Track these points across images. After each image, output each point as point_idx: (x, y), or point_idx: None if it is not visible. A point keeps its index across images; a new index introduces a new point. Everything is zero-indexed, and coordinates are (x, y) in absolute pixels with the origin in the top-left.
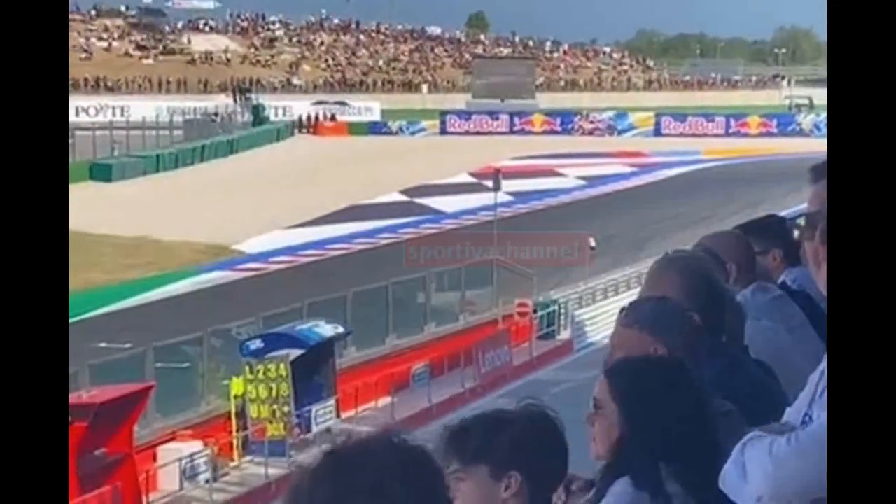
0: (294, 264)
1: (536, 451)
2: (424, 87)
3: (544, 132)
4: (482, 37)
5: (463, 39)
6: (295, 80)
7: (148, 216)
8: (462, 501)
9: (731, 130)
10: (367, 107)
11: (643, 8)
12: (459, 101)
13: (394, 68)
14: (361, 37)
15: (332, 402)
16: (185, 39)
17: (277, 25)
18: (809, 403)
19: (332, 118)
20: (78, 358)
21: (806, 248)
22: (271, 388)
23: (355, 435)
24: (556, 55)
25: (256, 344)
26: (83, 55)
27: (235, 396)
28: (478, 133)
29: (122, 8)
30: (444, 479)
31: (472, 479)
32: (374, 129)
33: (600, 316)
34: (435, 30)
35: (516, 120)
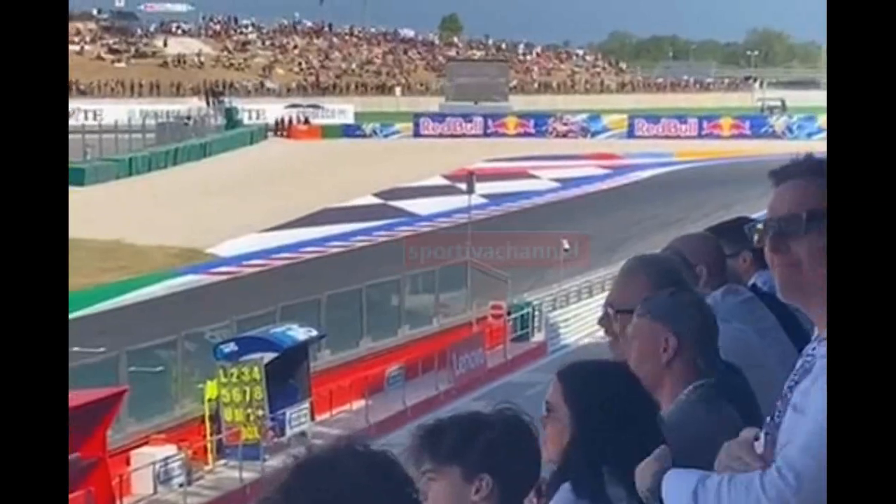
0: (268, 267)
1: (509, 455)
2: (398, 90)
3: (518, 134)
4: (455, 39)
5: (436, 42)
6: (268, 84)
7: (121, 220)
8: (433, 501)
9: (703, 132)
10: (340, 110)
11: (616, 10)
12: (433, 103)
13: (367, 71)
14: (335, 40)
15: (306, 405)
16: (157, 43)
17: (250, 29)
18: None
19: (306, 121)
20: None
21: (766, 253)
22: (245, 392)
23: (320, 445)
24: (529, 57)
25: (230, 347)
26: None
27: (209, 400)
28: (451, 136)
29: (95, 11)
30: (412, 486)
31: (443, 479)
32: (347, 132)
33: (574, 318)
34: (408, 32)
35: (490, 122)
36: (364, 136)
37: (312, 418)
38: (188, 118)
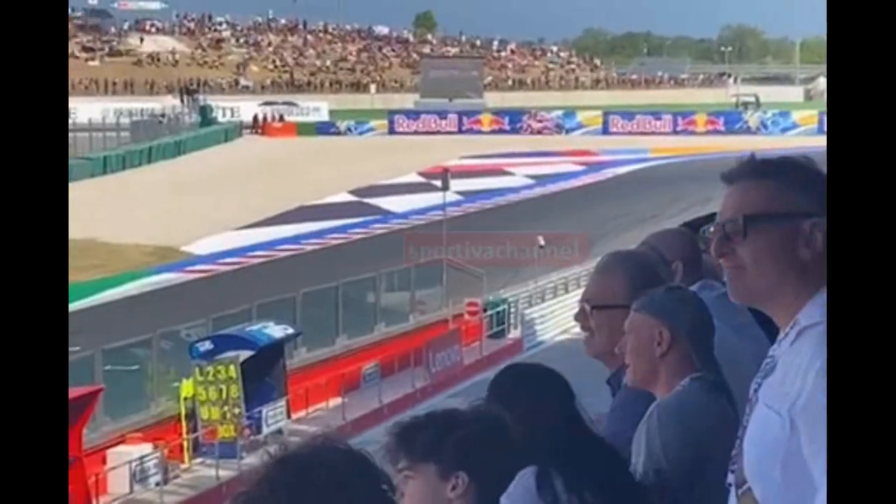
0: (243, 265)
1: (485, 452)
2: (372, 87)
3: (492, 131)
4: (430, 36)
5: (411, 39)
6: (242, 81)
7: (96, 218)
8: (409, 499)
9: (678, 128)
10: (315, 107)
11: (590, 7)
12: (408, 100)
13: (341, 68)
14: (309, 37)
15: (282, 403)
16: (131, 41)
17: (224, 26)
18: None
19: (280, 119)
20: None
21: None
22: (221, 390)
23: (296, 442)
24: (503, 54)
25: (206, 346)
26: None
27: (185, 398)
28: (426, 133)
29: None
30: (388, 484)
31: (420, 477)
32: (322, 129)
33: (550, 315)
34: (382, 29)
35: (464, 119)
36: (339, 133)
37: (289, 416)
38: (162, 116)
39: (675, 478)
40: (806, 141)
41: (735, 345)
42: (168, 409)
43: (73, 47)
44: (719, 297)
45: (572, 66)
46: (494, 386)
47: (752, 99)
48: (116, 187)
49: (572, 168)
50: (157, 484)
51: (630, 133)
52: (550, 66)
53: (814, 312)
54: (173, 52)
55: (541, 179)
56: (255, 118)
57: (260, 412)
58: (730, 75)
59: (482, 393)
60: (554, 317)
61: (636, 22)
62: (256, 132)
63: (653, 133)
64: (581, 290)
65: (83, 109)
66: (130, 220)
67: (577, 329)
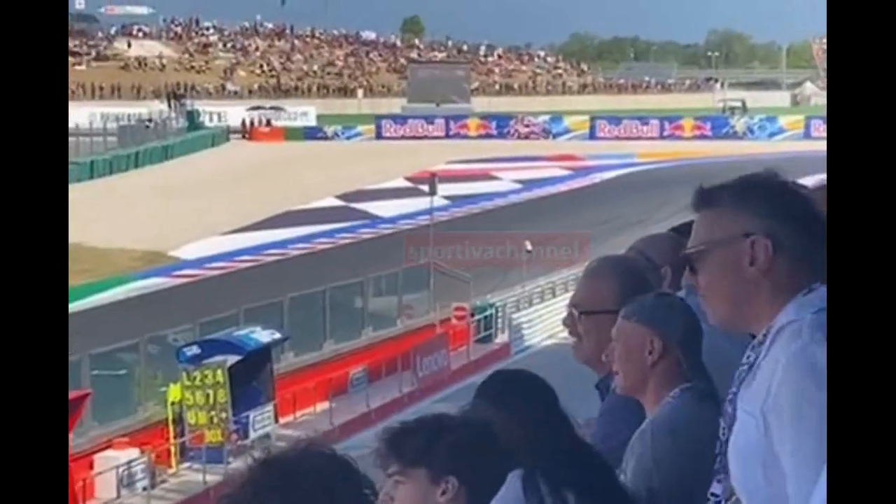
0: (230, 270)
1: (474, 456)
2: (360, 92)
3: (479, 136)
4: (417, 41)
5: (398, 44)
6: (229, 86)
7: (83, 223)
8: None
9: (665, 133)
10: (302, 112)
11: (577, 12)
12: (395, 105)
13: (329, 73)
14: (296, 42)
15: (269, 407)
16: (118, 45)
17: (211, 31)
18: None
19: (268, 123)
20: None
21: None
22: (208, 395)
23: (281, 447)
24: (490, 59)
25: (193, 350)
26: None
27: (172, 403)
28: (413, 137)
29: None
30: (371, 489)
31: (410, 482)
32: (309, 134)
33: (537, 319)
34: (370, 34)
35: (452, 124)
36: (326, 138)
37: (276, 421)
38: (149, 121)
39: (666, 495)
40: (793, 146)
41: (726, 350)
42: (155, 414)
43: None
44: None
45: (559, 70)
46: (481, 392)
47: (739, 104)
48: (104, 192)
49: (559, 173)
50: (145, 489)
51: (617, 138)
52: (537, 70)
53: (787, 314)
54: (160, 57)
55: (528, 184)
56: (244, 123)
57: (247, 417)
58: (717, 80)
59: (470, 398)
60: (541, 321)
61: (623, 27)
62: (244, 137)
63: (640, 138)
64: (569, 295)
65: (70, 114)
66: (118, 224)
67: (565, 334)
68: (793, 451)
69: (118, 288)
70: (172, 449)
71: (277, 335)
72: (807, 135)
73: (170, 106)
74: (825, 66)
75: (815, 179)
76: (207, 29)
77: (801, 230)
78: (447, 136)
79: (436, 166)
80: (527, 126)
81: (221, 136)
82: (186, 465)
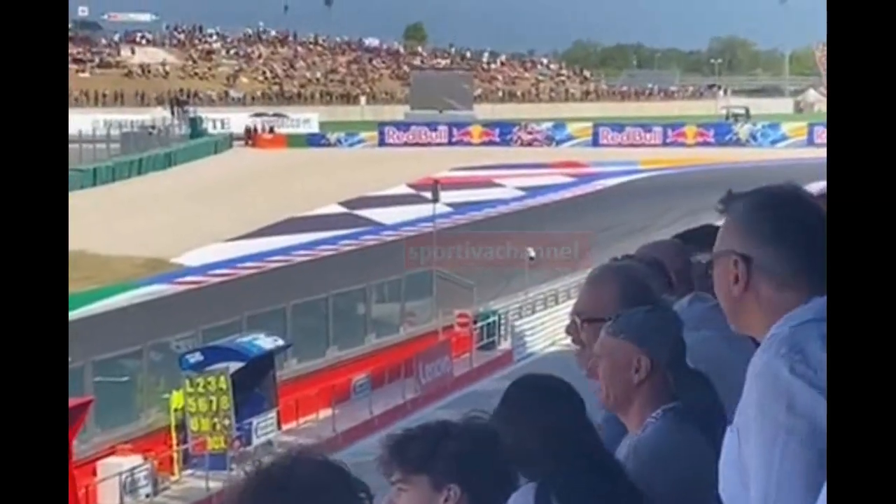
0: (233, 277)
1: (477, 464)
2: (363, 99)
3: (483, 143)
4: (420, 48)
5: (401, 51)
6: (232, 93)
7: (86, 230)
8: None
9: (668, 140)
10: (305, 119)
11: (580, 19)
12: (398, 112)
13: (332, 80)
14: (299, 49)
15: (272, 414)
16: (121, 52)
17: (214, 38)
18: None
19: (271, 130)
20: None
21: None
22: (211, 402)
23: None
24: (493, 66)
25: (196, 357)
26: None
27: (175, 410)
28: (416, 144)
29: None
30: (367, 495)
31: (413, 489)
32: (312, 141)
33: (540, 326)
34: (373, 41)
35: (455, 131)
36: (329, 145)
37: (279, 427)
38: (152, 128)
39: None
40: (796, 153)
41: (729, 356)
42: (158, 421)
43: None
44: (712, 308)
45: (562, 77)
46: (507, 397)
47: (742, 111)
48: (106, 199)
49: (562, 180)
50: (147, 496)
51: (620, 145)
52: (540, 77)
53: (775, 326)
54: (164, 64)
55: (531, 191)
56: (247, 130)
57: (250, 423)
58: (720, 87)
59: (473, 404)
60: (544, 328)
61: (626, 34)
62: (247, 144)
63: (643, 145)
64: (571, 302)
65: (73, 121)
66: (121, 231)
67: (568, 341)
68: (755, 467)
69: (121, 295)
70: (175, 456)
71: (280, 342)
72: (810, 142)
73: (173, 113)
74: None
75: (817, 187)
76: (210, 36)
77: (797, 248)
78: (450, 143)
79: (439, 173)
80: (530, 133)
81: (224, 142)
82: (189, 471)
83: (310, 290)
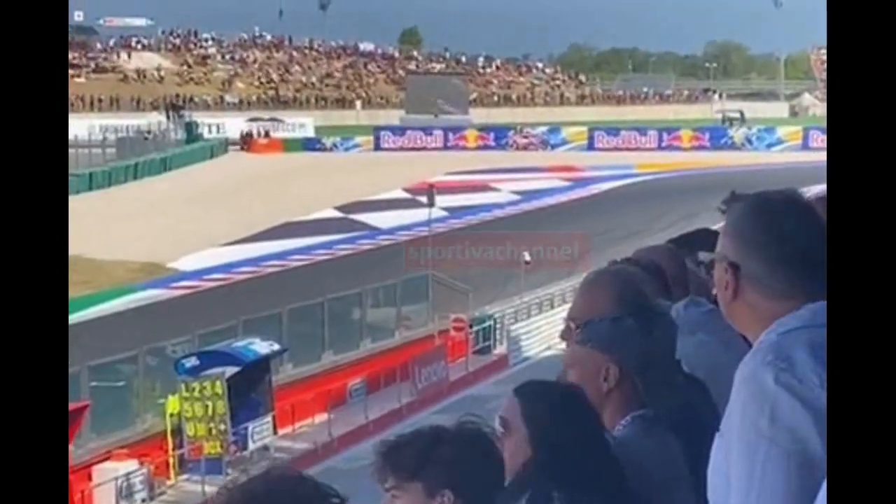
0: (229, 282)
1: (471, 470)
2: (358, 104)
3: (478, 147)
4: (415, 53)
5: (396, 55)
6: (228, 98)
7: (81, 235)
8: None
9: (663, 144)
10: (300, 123)
11: (575, 23)
12: (393, 117)
13: (327, 85)
14: (294, 53)
15: (268, 419)
16: (117, 57)
17: (210, 43)
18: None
19: (266, 135)
20: None
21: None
22: (207, 406)
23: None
24: (488, 70)
25: (192, 362)
26: None
27: (171, 415)
28: (412, 149)
29: None
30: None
31: (406, 496)
32: (307, 145)
33: (535, 330)
34: (368, 46)
35: (450, 135)
36: (324, 149)
37: (275, 432)
38: (148, 133)
39: None
40: (791, 156)
41: (724, 359)
42: (154, 426)
43: None
44: (708, 312)
45: (557, 82)
46: (521, 398)
47: (737, 115)
48: (102, 204)
49: (558, 184)
50: (143, 500)
51: (615, 149)
52: (536, 82)
53: (764, 332)
54: (159, 69)
55: (526, 195)
56: (243, 134)
57: (246, 428)
58: (715, 91)
59: (468, 409)
60: (539, 333)
61: (621, 38)
62: (242, 148)
63: (638, 149)
64: (567, 306)
65: (69, 126)
66: (116, 236)
67: (563, 345)
68: (736, 475)
69: (117, 299)
70: (171, 460)
71: (276, 346)
72: (805, 145)
73: (168, 118)
74: (823, 77)
75: (816, 191)
76: (206, 41)
77: (788, 259)
78: (445, 148)
79: (434, 177)
80: (525, 137)
81: (220, 147)
82: (185, 476)
83: (306, 294)
